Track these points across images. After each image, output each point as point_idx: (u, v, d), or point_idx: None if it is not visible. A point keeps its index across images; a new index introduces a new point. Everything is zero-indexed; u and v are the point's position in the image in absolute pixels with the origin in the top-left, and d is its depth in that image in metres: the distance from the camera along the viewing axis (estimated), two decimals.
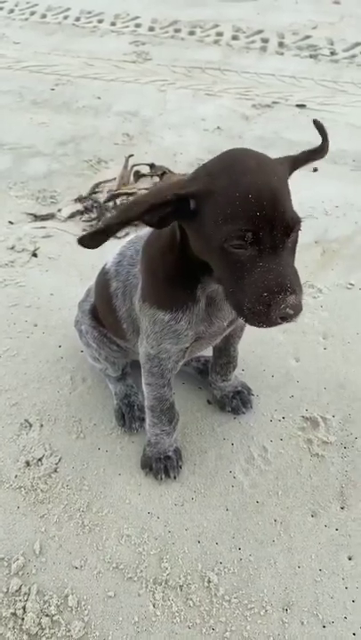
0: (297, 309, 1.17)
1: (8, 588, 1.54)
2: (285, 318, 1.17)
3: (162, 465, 1.76)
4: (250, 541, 1.64)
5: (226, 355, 1.87)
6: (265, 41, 4.84)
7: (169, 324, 1.46)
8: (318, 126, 1.47)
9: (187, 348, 1.55)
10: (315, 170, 3.16)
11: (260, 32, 4.99)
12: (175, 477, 1.77)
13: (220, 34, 5.00)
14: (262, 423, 1.93)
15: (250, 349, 2.16)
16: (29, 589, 1.54)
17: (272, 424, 1.93)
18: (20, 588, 1.54)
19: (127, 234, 2.44)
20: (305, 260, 2.57)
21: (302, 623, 1.47)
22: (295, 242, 1.24)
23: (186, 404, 2.00)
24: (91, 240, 1.24)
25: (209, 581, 1.55)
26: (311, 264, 2.55)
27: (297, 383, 2.05)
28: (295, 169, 1.34)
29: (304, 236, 2.67)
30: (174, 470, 1.77)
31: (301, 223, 1.21)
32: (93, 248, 1.25)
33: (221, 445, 1.87)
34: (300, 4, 5.61)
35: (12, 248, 2.70)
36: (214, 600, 1.52)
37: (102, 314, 1.81)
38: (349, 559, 1.60)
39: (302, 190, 2.99)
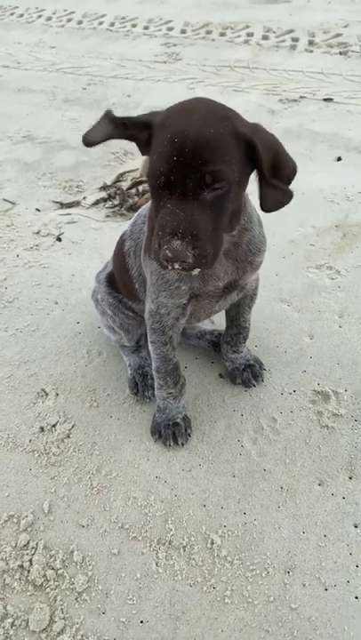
0: (177, 254, 1.18)
1: (16, 543, 1.59)
2: (168, 261, 1.21)
3: (170, 431, 1.79)
4: (255, 507, 1.64)
5: (236, 325, 1.89)
6: (295, 40, 4.86)
7: (161, 273, 1.51)
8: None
9: (185, 304, 1.58)
10: (339, 159, 3.15)
11: (290, 32, 5.02)
12: (183, 444, 1.79)
13: (250, 34, 5.05)
14: (273, 396, 1.93)
15: (264, 327, 2.17)
16: (37, 544, 1.58)
17: (283, 397, 1.93)
18: (27, 543, 1.59)
19: None
20: (325, 242, 2.57)
21: (304, 585, 1.47)
22: (218, 199, 1.22)
23: (198, 377, 2.02)
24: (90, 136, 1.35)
25: (212, 543, 1.56)
26: (331, 247, 2.55)
27: (310, 359, 2.05)
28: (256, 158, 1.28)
29: (325, 220, 2.69)
30: (182, 437, 1.79)
31: (222, 184, 1.20)
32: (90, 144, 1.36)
33: (231, 416, 1.88)
34: (333, 4, 5.61)
35: (38, 233, 2.79)
36: (216, 561, 1.52)
37: (117, 274, 1.87)
38: (355, 527, 1.58)
39: (325, 177, 2.99)
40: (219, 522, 1.61)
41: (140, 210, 1.77)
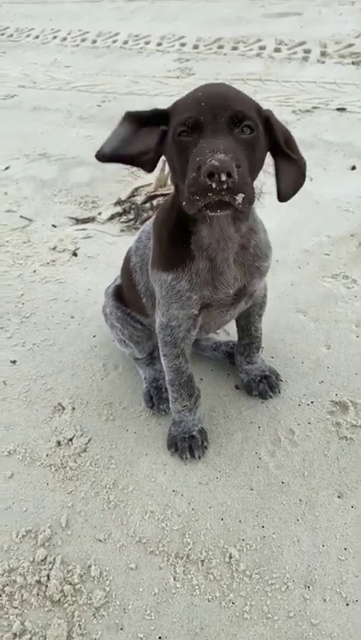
0: (222, 163, 1.11)
1: (34, 558, 1.58)
2: (212, 175, 1.12)
3: (186, 445, 1.78)
4: (274, 520, 1.62)
5: (248, 335, 1.88)
6: (307, 51, 4.88)
7: (171, 284, 1.51)
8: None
9: (196, 315, 1.58)
10: (353, 168, 3.14)
11: (302, 43, 5.05)
12: (200, 457, 1.78)
13: (262, 47, 5.09)
14: (290, 407, 1.91)
15: (280, 337, 2.16)
16: (54, 559, 1.58)
17: (300, 408, 1.91)
18: (45, 558, 1.58)
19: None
20: (340, 251, 2.55)
21: (325, 600, 1.44)
22: (249, 140, 1.23)
23: (214, 389, 2.01)
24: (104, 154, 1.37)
25: (230, 557, 1.54)
26: (346, 256, 2.53)
27: (327, 369, 2.02)
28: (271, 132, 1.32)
29: (340, 229, 2.68)
30: (199, 450, 1.78)
31: (250, 122, 1.22)
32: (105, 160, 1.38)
33: (248, 428, 1.87)
34: (344, 15, 5.64)
35: (54, 248, 2.82)
36: (235, 575, 1.50)
37: (125, 290, 1.88)
38: None
39: (339, 186, 2.98)
40: (237, 535, 1.59)
41: (143, 226, 1.79)
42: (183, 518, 1.64)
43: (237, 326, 1.92)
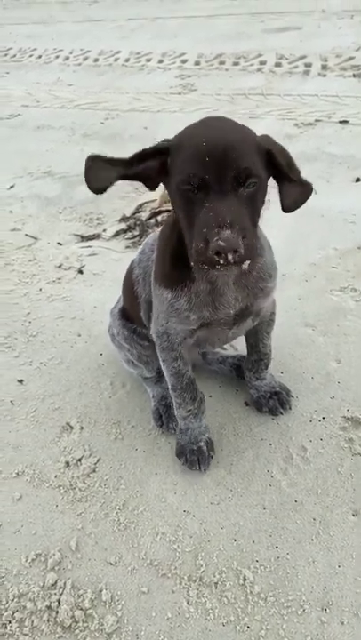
0: (229, 243, 1.16)
1: (44, 583, 1.56)
2: (220, 254, 1.18)
3: (195, 457, 1.76)
4: (288, 540, 1.58)
5: (256, 351, 1.87)
6: (308, 65, 4.91)
7: (171, 302, 1.52)
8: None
9: (193, 330, 1.58)
10: (358, 180, 3.13)
11: (303, 57, 5.07)
12: (205, 470, 1.76)
13: (263, 62, 5.12)
14: (301, 423, 1.89)
15: (289, 352, 2.14)
16: (64, 584, 1.55)
17: (311, 424, 1.88)
18: (55, 583, 1.55)
19: None
20: (348, 264, 2.54)
21: (342, 623, 1.40)
22: (253, 195, 1.26)
23: (223, 406, 1.99)
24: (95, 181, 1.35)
25: (244, 579, 1.51)
26: (354, 268, 2.51)
27: (338, 384, 2.00)
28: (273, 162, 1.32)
29: (347, 241, 2.66)
30: (205, 463, 1.76)
31: (255, 179, 1.24)
32: (98, 191, 1.35)
33: (259, 445, 1.84)
34: (344, 28, 5.67)
35: (60, 266, 2.81)
36: (250, 598, 1.47)
37: (128, 302, 1.89)
38: None
39: (345, 199, 2.97)
40: (250, 557, 1.56)
41: (147, 238, 1.80)
42: (195, 539, 1.61)
43: (246, 343, 1.90)
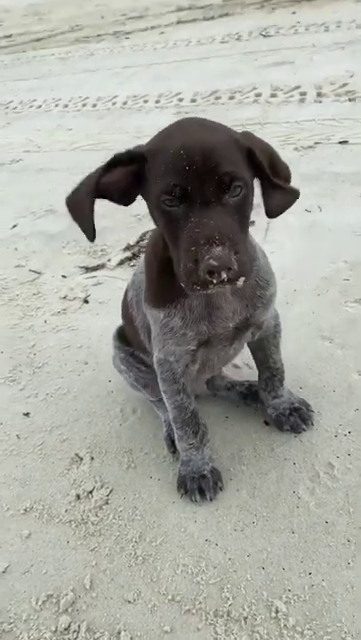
0: (221, 261, 1.07)
1: (57, 627, 1.42)
2: (212, 273, 1.09)
3: (196, 485, 1.64)
4: (321, 565, 1.44)
5: (267, 367, 1.77)
6: (303, 94, 4.94)
7: (164, 322, 1.43)
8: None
9: (194, 350, 1.48)
10: None
11: (297, 87, 5.12)
12: (211, 499, 1.63)
13: (258, 94, 5.18)
14: (326, 439, 1.76)
15: (307, 367, 2.03)
16: (79, 627, 1.41)
17: (337, 439, 1.75)
18: (69, 626, 1.42)
19: None
20: (359, 276, 2.44)
21: None
22: (239, 202, 1.18)
23: (242, 426, 1.87)
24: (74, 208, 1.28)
25: (277, 611, 1.36)
26: None
27: None
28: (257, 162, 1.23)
29: (358, 253, 2.58)
30: (210, 491, 1.63)
31: (239, 183, 1.15)
32: (79, 220, 1.28)
33: (283, 466, 1.71)
34: (336, 59, 5.74)
35: (65, 297, 2.75)
36: (285, 632, 1.32)
37: (125, 326, 1.82)
38: None
39: (352, 213, 2.91)
40: (282, 586, 1.41)
41: (141, 258, 1.72)
42: (219, 570, 1.47)
43: (255, 360, 1.80)
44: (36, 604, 1.48)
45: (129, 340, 1.83)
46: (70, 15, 15.45)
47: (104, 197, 1.28)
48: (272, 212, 1.32)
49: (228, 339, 1.50)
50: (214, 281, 1.10)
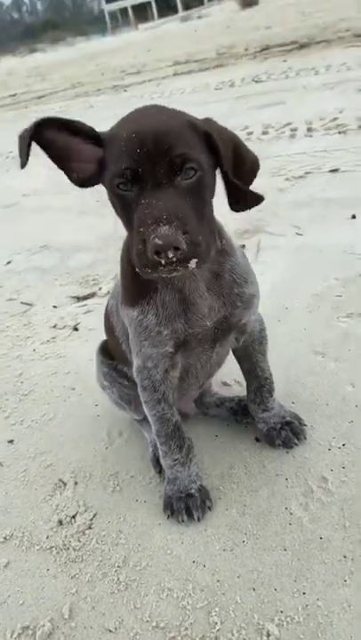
0: (166, 240, 1.04)
1: None
2: (159, 253, 1.05)
3: (183, 505, 1.55)
4: (316, 584, 1.33)
5: (255, 377, 1.70)
6: (294, 130, 5.04)
7: (138, 320, 1.39)
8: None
9: (172, 353, 1.42)
10: (353, 217, 3.06)
11: (288, 124, 5.23)
12: (199, 519, 1.54)
13: (250, 133, 5.28)
14: (319, 453, 1.67)
15: (299, 381, 1.95)
16: None
17: (331, 452, 1.66)
18: None
19: None
20: (352, 292, 2.40)
21: None
22: (193, 184, 1.15)
23: (232, 443, 1.79)
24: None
25: (268, 634, 1.25)
26: (359, 295, 2.36)
27: (355, 408, 1.79)
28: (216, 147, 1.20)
29: (348, 271, 2.54)
30: (198, 510, 1.54)
31: (192, 164, 1.13)
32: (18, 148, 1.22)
33: (274, 482, 1.62)
34: (326, 98, 5.87)
35: (55, 326, 2.72)
36: None
37: (107, 336, 1.78)
38: None
39: (342, 234, 2.89)
40: (274, 607, 1.30)
41: None
42: (207, 593, 1.37)
43: (242, 369, 1.74)
44: (11, 636, 1.37)
45: (112, 352, 1.78)
46: (72, 74, 16.13)
47: (45, 148, 1.23)
48: (232, 205, 1.29)
49: (208, 340, 1.45)
50: (162, 261, 1.07)
